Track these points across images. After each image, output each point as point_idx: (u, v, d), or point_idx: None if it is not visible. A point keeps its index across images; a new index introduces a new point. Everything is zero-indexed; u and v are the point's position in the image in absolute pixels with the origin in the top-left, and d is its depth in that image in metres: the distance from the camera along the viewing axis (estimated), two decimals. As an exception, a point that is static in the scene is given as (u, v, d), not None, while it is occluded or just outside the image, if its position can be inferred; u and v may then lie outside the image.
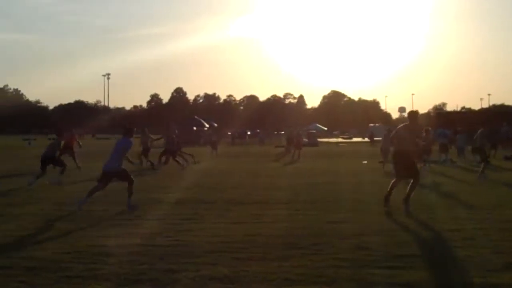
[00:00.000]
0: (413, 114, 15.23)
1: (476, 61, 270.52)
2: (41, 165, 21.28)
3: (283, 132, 77.37)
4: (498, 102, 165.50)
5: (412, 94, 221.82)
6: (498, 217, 12.91)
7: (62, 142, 26.97)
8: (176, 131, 31.89)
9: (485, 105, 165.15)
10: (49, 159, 21.80)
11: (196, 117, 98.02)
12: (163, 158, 30.51)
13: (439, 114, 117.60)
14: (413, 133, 14.73)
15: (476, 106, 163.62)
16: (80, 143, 29.55)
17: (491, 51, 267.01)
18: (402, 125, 15.06)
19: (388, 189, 14.66)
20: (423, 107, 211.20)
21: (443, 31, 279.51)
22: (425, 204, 14.97)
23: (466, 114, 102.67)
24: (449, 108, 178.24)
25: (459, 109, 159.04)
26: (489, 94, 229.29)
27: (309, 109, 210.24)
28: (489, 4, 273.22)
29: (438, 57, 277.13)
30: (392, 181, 14.73)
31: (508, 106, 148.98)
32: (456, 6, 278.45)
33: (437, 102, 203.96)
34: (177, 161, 30.37)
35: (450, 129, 40.31)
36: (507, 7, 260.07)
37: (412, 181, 14.35)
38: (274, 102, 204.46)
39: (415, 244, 9.99)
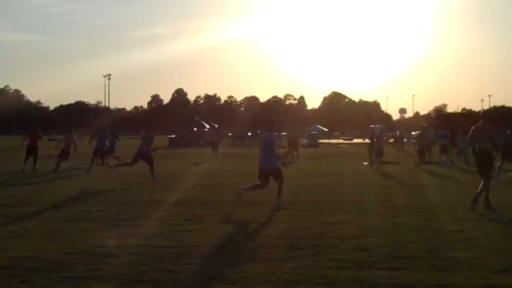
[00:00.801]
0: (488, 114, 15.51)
1: (476, 62, 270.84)
2: None
3: (283, 133, 77.46)
4: (498, 103, 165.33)
5: (413, 96, 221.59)
6: (499, 218, 12.91)
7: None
8: (108, 134, 31.48)
9: (486, 106, 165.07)
10: None
11: (196, 118, 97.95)
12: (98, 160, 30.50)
13: (440, 115, 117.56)
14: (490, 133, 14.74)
15: (476, 108, 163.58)
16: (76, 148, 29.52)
17: (492, 53, 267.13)
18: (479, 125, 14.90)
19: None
20: (424, 109, 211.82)
21: (443, 32, 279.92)
22: (426, 205, 14.97)
23: (466, 115, 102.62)
24: (450, 109, 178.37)
25: (459, 110, 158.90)
26: (489, 96, 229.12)
27: (309, 110, 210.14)
28: (490, 5, 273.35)
29: (438, 58, 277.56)
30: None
31: (508, 108, 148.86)
32: (457, 7, 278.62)
33: (438, 103, 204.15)
34: (104, 162, 30.78)
35: (450, 130, 40.26)
36: (508, 8, 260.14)
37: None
38: (275, 103, 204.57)
39: (416, 245, 9.97)
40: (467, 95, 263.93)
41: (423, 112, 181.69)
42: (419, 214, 13.57)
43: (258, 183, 15.48)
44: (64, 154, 28.66)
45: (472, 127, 15.09)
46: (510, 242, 10.15)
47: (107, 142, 30.41)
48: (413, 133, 79.05)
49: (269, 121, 16.99)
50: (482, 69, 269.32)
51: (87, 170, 27.26)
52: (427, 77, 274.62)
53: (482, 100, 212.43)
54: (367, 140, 48.96)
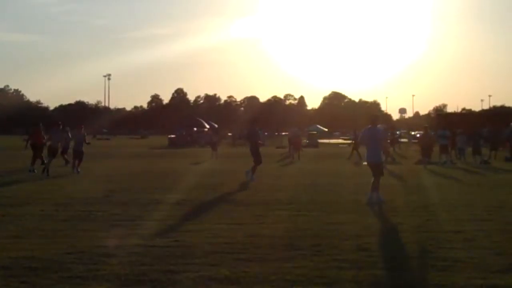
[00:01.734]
0: None
1: (476, 62, 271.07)
2: None
3: (284, 133, 77.28)
4: (498, 103, 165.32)
5: (413, 95, 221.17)
6: (499, 218, 12.91)
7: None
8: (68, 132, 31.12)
9: (486, 106, 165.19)
10: None
11: (197, 118, 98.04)
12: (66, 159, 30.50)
13: (440, 115, 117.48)
14: None
15: (476, 108, 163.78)
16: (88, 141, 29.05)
17: (492, 53, 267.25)
18: None
19: None
20: (424, 108, 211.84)
21: (443, 32, 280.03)
22: (426, 205, 14.98)
23: (466, 115, 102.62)
24: (450, 109, 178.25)
25: (459, 110, 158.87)
26: (489, 96, 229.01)
27: (309, 110, 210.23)
28: (490, 5, 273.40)
29: (438, 59, 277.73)
30: None
31: (508, 108, 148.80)
32: (457, 7, 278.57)
33: (438, 103, 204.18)
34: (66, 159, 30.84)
35: (450, 130, 40.30)
36: (508, 8, 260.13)
37: None
38: (275, 103, 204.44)
39: (416, 245, 9.99)
40: (467, 95, 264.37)
41: (423, 112, 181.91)
42: (419, 214, 13.59)
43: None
44: (52, 152, 27.57)
45: None
46: (510, 242, 10.14)
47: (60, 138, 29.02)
48: (412, 133, 79.22)
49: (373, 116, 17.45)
50: (482, 69, 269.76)
51: (42, 171, 25.86)
52: (427, 77, 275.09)
53: (482, 100, 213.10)
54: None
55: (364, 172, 26.84)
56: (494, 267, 8.28)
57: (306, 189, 19.13)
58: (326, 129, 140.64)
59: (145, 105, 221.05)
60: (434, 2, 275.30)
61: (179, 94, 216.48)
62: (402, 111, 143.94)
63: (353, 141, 39.62)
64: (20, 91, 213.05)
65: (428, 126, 37.46)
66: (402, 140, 67.96)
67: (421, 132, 40.37)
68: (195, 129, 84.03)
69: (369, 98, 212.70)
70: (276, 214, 13.58)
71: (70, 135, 30.76)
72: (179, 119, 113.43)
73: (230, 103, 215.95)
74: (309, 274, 7.96)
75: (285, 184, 21.04)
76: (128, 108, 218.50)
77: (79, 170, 26.61)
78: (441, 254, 9.23)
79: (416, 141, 62.86)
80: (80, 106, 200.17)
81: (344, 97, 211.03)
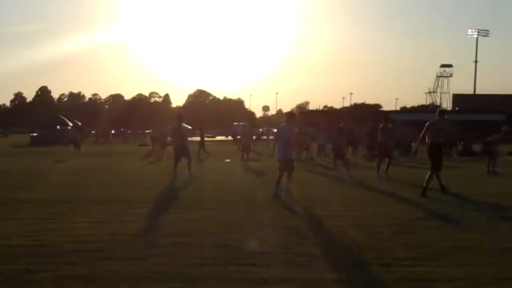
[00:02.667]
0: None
1: (338, 61, 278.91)
2: None
3: (147, 131, 76.77)
4: (359, 101, 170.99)
5: (277, 93, 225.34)
6: (356, 214, 13.28)
7: None
8: None
9: (347, 104, 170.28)
10: None
11: (60, 116, 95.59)
12: None
13: (302, 113, 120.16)
14: None
15: (338, 105, 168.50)
16: None
17: (354, 51, 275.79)
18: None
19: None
20: (287, 106, 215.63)
21: (307, 32, 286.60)
22: (285, 201, 15.27)
23: (328, 113, 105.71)
24: (312, 107, 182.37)
25: (321, 107, 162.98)
26: (351, 93, 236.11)
27: (174, 107, 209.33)
28: (351, 6, 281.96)
29: (302, 57, 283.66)
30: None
31: (369, 105, 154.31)
32: (321, 8, 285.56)
33: (301, 101, 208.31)
34: None
35: (313, 127, 41.49)
36: (368, 8, 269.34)
37: None
38: (140, 100, 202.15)
39: (275, 241, 10.19)
40: (329, 93, 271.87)
41: (286, 109, 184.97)
42: (278, 210, 13.87)
43: None
44: None
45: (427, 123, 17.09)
46: (365, 237, 10.52)
47: None
48: (274, 130, 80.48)
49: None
50: (343, 68, 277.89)
51: None
52: (290, 76, 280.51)
53: (343, 98, 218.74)
54: (229, 138, 49.50)
55: (227, 170, 27.11)
56: (349, 262, 8.59)
57: (168, 187, 19.14)
58: (190, 127, 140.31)
59: (8, 103, 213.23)
60: (299, 2, 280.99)
61: (43, 92, 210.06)
62: (265, 108, 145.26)
63: (201, 139, 39.94)
64: None
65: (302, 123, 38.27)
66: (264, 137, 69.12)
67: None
68: (58, 127, 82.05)
69: (233, 96, 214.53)
70: (137, 212, 13.48)
71: None
72: (41, 117, 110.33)
73: (95, 101, 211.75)
74: (169, 271, 8.01)
75: (147, 181, 20.92)
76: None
77: None
78: (299, 250, 9.46)
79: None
80: None
81: (209, 94, 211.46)
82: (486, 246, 9.55)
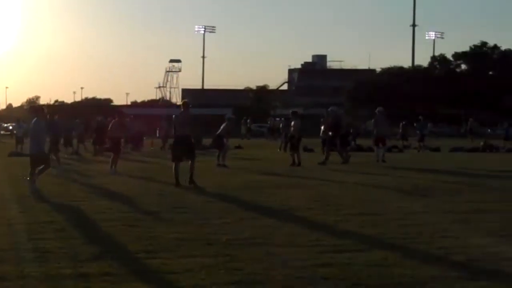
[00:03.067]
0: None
1: (66, 56, 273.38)
2: None
3: None
4: (90, 95, 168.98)
5: (6, 87, 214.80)
6: (89, 208, 13.41)
7: None
8: None
9: (78, 98, 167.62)
10: None
11: None
12: None
13: (33, 107, 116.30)
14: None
15: (69, 99, 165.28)
16: None
17: (84, 46, 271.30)
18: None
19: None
20: (17, 100, 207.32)
21: (34, 26, 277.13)
22: (18, 197, 15.00)
23: (60, 107, 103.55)
24: (43, 101, 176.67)
25: (52, 102, 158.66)
26: (82, 88, 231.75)
27: None
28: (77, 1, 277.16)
29: (30, 51, 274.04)
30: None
31: (100, 99, 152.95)
32: (43, 2, 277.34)
33: (31, 95, 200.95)
34: None
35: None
36: (93, 2, 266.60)
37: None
38: None
39: (8, 238, 10.05)
40: (60, 87, 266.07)
41: (16, 104, 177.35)
42: (12, 206, 13.62)
43: None
44: None
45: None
46: (98, 231, 10.69)
47: None
48: (5, 125, 77.62)
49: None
50: (73, 63, 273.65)
51: None
52: (19, 69, 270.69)
53: (74, 92, 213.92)
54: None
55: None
56: (82, 256, 8.66)
57: None
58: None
59: None
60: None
61: None
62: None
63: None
64: None
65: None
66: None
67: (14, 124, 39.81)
68: None
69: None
70: None
71: None
72: None
73: None
74: None
75: None
76: None
77: None
78: (33, 245, 9.40)
79: (9, 132, 61.70)
80: None
81: None
82: (212, 238, 10.04)
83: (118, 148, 23.37)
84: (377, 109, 29.35)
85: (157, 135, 46.84)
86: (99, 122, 36.33)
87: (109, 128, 24.67)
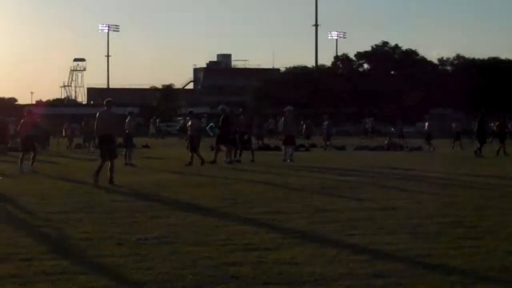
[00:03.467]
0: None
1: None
2: None
3: None
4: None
5: None
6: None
7: None
8: None
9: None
10: None
11: None
12: None
13: None
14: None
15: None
16: None
17: None
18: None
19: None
20: None
21: None
22: None
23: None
24: None
25: None
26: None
27: None
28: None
29: None
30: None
31: (3, 98, 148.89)
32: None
33: None
34: None
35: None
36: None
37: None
38: None
39: None
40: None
41: None
42: None
43: None
44: None
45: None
46: (5, 232, 10.44)
47: None
48: None
49: None
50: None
51: None
52: None
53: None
54: None
55: None
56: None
57: None
58: None
59: None
60: None
61: None
62: None
63: None
64: None
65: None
66: None
67: None
68: None
69: None
70: None
71: None
72: None
73: None
74: None
75: None
76: None
77: None
78: None
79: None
80: None
81: None
82: (123, 237, 9.99)
83: (34, 147, 23.05)
84: (286, 108, 29.64)
85: (63, 134, 46.31)
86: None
87: (19, 127, 24.24)
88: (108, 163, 17.75)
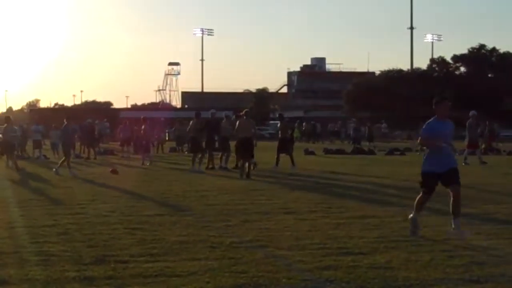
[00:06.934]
0: None
1: (68, 59, 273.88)
2: None
3: None
4: (90, 98, 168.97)
5: (6, 91, 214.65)
6: (91, 211, 13.38)
7: None
8: None
9: (78, 101, 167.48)
10: None
11: None
12: None
13: (32, 110, 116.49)
14: None
15: (69, 102, 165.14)
16: None
17: (82, 49, 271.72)
18: None
19: None
20: (17, 104, 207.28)
21: (34, 28, 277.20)
22: (20, 201, 14.99)
23: (59, 110, 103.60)
24: (43, 104, 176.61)
25: (52, 105, 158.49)
26: (81, 91, 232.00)
27: None
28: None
29: (30, 54, 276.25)
30: None
31: (99, 103, 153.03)
32: (47, 5, 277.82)
33: (31, 98, 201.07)
34: None
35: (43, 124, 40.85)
36: (85, 3, 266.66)
37: None
38: None
39: (10, 241, 10.02)
40: (60, 90, 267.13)
41: (16, 107, 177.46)
42: (12, 209, 13.63)
43: None
44: None
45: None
46: (101, 234, 10.61)
47: None
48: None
49: None
50: (72, 66, 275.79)
51: None
52: (19, 73, 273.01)
53: (74, 95, 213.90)
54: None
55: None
56: (86, 259, 8.65)
57: None
58: None
59: None
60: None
61: None
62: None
63: None
64: None
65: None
66: None
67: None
68: None
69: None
70: None
71: None
72: None
73: None
74: None
75: None
76: None
77: None
78: (36, 248, 9.40)
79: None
80: None
81: None
82: (214, 240, 10.04)
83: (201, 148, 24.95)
84: (471, 113, 30.17)
85: (166, 138, 47.53)
86: (85, 125, 36.47)
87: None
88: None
